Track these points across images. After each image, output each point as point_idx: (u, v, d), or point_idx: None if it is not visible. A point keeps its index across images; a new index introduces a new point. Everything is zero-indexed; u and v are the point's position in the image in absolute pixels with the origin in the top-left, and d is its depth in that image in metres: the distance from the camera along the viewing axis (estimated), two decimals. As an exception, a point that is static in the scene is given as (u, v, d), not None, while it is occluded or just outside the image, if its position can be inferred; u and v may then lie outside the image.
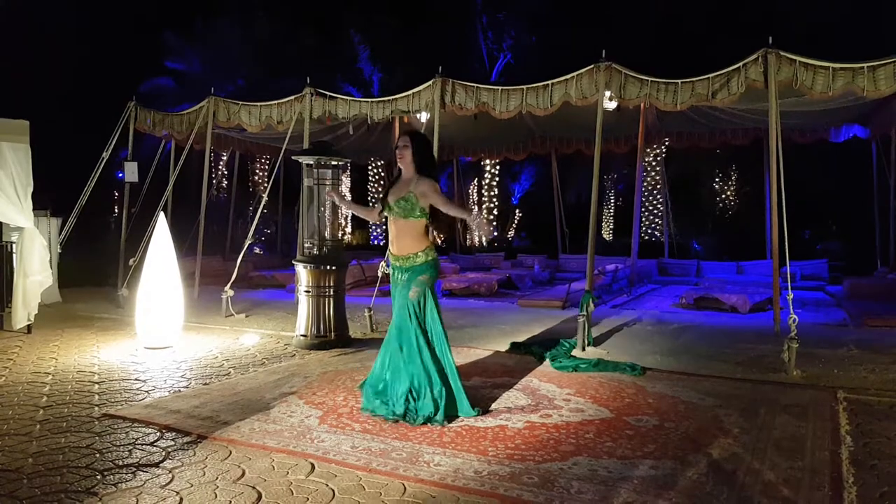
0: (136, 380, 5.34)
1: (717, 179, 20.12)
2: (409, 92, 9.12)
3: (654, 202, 19.27)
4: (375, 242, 21.51)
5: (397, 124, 12.28)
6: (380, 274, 8.19)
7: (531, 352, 6.39)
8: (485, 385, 5.18)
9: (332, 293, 6.79)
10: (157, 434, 3.98)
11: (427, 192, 4.42)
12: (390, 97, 9.41)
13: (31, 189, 7.35)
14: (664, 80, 7.71)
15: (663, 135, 13.81)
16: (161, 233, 6.83)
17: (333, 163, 6.82)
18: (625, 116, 10.48)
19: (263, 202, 10.33)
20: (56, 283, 9.36)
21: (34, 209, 7.54)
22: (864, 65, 6.96)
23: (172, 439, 3.89)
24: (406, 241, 4.50)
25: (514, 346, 6.68)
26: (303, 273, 6.76)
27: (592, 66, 7.87)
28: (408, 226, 4.49)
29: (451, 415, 4.33)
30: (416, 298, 4.45)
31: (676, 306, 9.95)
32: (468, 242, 19.74)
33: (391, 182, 4.68)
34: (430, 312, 4.50)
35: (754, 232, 14.81)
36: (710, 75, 7.54)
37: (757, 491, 3.20)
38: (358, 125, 11.00)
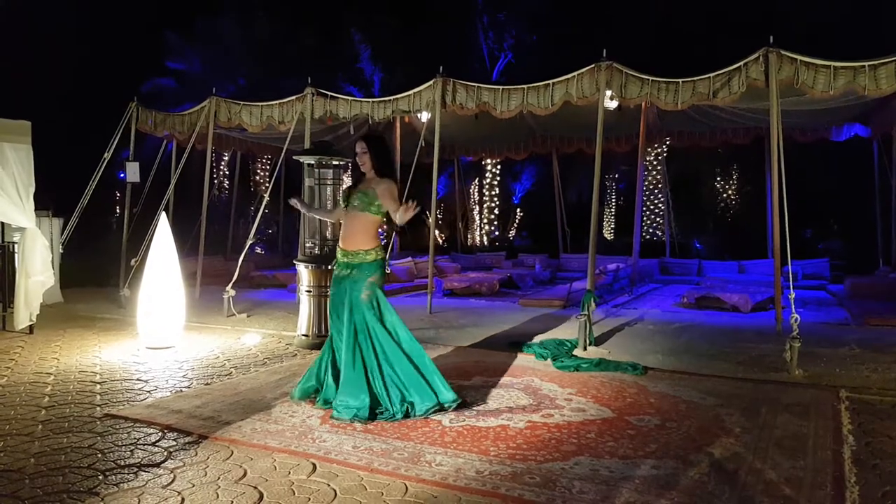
0: (137, 380, 5.34)
1: (718, 178, 20.09)
2: (410, 92, 9.13)
3: (656, 201, 19.26)
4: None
5: (398, 124, 12.29)
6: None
7: (532, 351, 6.38)
8: (486, 384, 5.17)
9: (333, 293, 6.78)
10: (159, 434, 3.99)
11: (383, 193, 4.51)
12: (391, 97, 9.42)
13: (32, 189, 7.35)
14: (665, 80, 7.71)
15: (664, 134, 13.80)
16: (162, 233, 6.84)
17: (334, 163, 6.82)
18: (626, 116, 10.48)
19: (265, 202, 10.34)
20: (58, 283, 9.37)
21: (36, 209, 7.54)
22: (866, 63, 6.95)
23: (174, 439, 3.90)
24: (358, 236, 4.59)
25: (516, 346, 6.68)
26: (304, 273, 6.76)
27: (593, 65, 7.87)
28: (362, 220, 4.58)
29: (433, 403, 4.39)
30: (369, 301, 4.50)
31: (678, 306, 9.94)
32: (469, 242, 19.73)
33: (354, 183, 4.77)
34: (386, 311, 4.56)
35: (755, 231, 14.79)
36: (711, 74, 7.53)
37: (759, 490, 3.19)
38: (359, 125, 11.00)
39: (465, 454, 3.66)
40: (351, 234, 4.62)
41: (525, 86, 8.41)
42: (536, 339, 7.05)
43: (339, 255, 4.67)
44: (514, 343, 6.79)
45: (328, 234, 6.83)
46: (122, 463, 3.53)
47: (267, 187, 11.57)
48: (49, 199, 9.72)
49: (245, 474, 3.38)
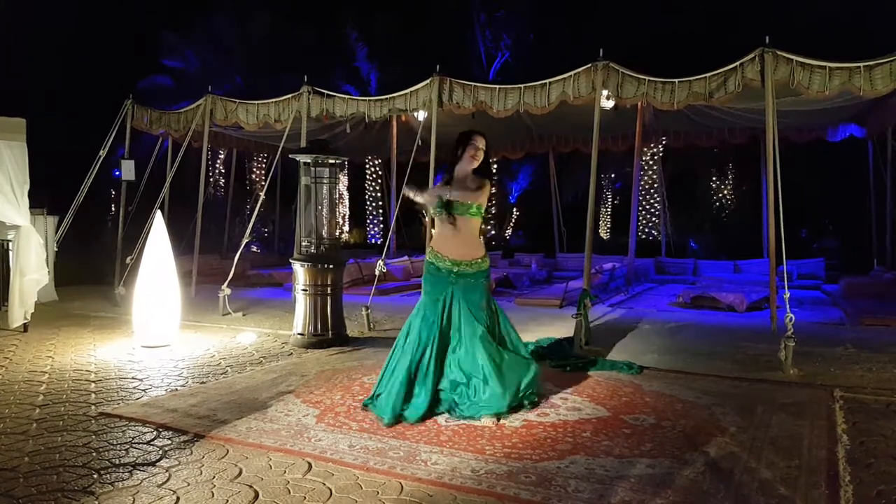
0: (132, 378, 5.33)
1: (714, 178, 20.14)
2: (407, 90, 9.11)
3: (652, 201, 19.28)
4: (373, 241, 21.49)
5: (395, 123, 12.28)
6: (377, 273, 8.18)
7: (528, 350, 6.37)
8: (482, 384, 5.17)
9: (329, 292, 6.78)
10: (154, 433, 3.98)
11: (486, 193, 4.41)
12: (388, 96, 9.40)
13: (27, 187, 7.32)
14: (661, 79, 7.71)
15: (660, 134, 13.81)
16: (158, 231, 6.82)
17: (331, 161, 6.82)
18: (622, 115, 10.47)
19: (261, 200, 10.32)
20: (53, 281, 9.35)
21: (31, 207, 7.52)
22: (861, 64, 6.96)
23: (169, 438, 3.89)
24: (469, 243, 4.44)
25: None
26: (300, 271, 6.75)
27: (590, 64, 7.87)
28: (470, 225, 4.43)
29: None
30: (487, 306, 4.48)
31: (673, 305, 9.96)
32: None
33: (446, 182, 4.45)
34: (501, 316, 4.60)
35: (751, 231, 14.85)
36: (708, 74, 7.53)
37: (754, 489, 3.20)
38: (355, 124, 10.99)
39: (461, 453, 3.66)
40: (460, 241, 4.37)
41: (521, 85, 8.40)
42: (532, 339, 7.05)
43: (447, 264, 4.38)
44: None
45: (324, 232, 6.82)
46: (117, 462, 3.52)
47: (263, 185, 11.56)
48: (44, 197, 9.67)
49: (240, 473, 3.37)
